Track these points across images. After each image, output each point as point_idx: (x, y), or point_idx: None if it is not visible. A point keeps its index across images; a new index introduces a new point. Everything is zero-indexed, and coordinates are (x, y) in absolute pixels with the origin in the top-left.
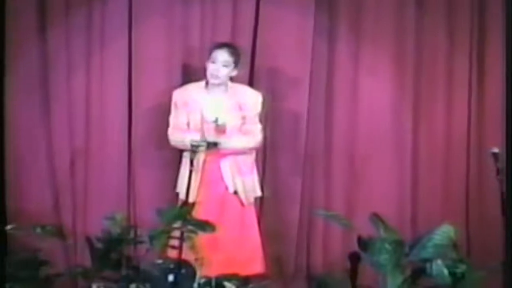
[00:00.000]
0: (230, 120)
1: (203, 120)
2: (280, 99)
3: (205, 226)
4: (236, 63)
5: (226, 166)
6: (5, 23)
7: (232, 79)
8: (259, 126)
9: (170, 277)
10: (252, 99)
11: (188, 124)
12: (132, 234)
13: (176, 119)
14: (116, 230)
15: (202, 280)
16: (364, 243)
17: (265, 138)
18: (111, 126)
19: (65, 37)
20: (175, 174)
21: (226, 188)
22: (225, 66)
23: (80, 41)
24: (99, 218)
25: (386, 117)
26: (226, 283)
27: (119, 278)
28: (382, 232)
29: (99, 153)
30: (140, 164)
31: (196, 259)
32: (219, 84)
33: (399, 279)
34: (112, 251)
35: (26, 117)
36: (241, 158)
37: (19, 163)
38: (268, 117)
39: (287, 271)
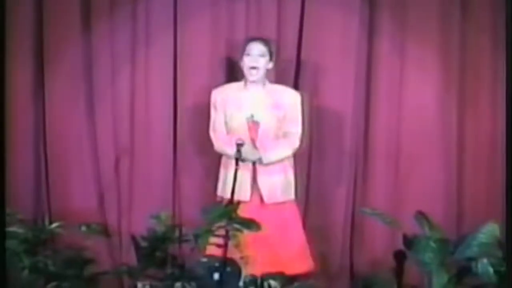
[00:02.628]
0: (265, 118)
1: (240, 118)
2: (324, 98)
3: (250, 224)
4: (271, 55)
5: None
6: (5, 23)
7: (267, 75)
8: (299, 130)
9: (215, 276)
10: (291, 99)
11: (226, 124)
12: (177, 233)
13: (214, 120)
14: (161, 229)
15: (248, 279)
16: (409, 242)
17: (310, 138)
18: (156, 124)
19: (109, 35)
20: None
21: None
22: (262, 56)
23: (125, 39)
24: (144, 216)
25: (431, 115)
26: (272, 282)
27: (164, 277)
28: (427, 231)
29: (143, 151)
30: (184, 162)
31: (241, 258)
32: (257, 81)
33: (444, 278)
34: (157, 250)
35: (70, 116)
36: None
37: (64, 162)
38: (313, 116)
39: (332, 270)
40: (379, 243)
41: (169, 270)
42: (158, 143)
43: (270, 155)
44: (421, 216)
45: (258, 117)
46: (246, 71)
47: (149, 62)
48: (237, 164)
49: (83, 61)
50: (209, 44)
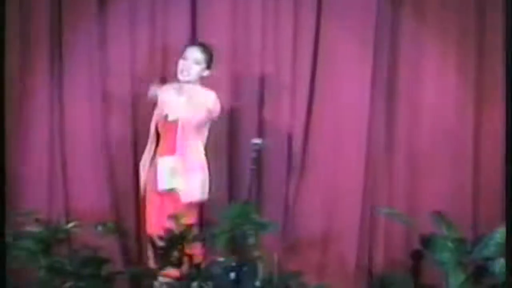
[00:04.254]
0: (181, 115)
1: (159, 116)
2: (342, 99)
3: (266, 224)
4: (208, 63)
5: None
6: (5, 23)
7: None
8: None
9: (232, 275)
10: (203, 97)
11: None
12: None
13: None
14: (178, 228)
15: (264, 278)
16: (426, 241)
17: (330, 139)
18: None
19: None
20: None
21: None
22: (197, 63)
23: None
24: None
25: (448, 114)
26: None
27: (181, 277)
28: (444, 230)
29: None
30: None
31: (258, 257)
32: (187, 82)
33: (461, 277)
34: (174, 250)
35: (86, 115)
36: (189, 155)
37: (79, 162)
38: (331, 118)
39: (349, 269)
40: (396, 242)
41: (185, 270)
42: None
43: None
44: (438, 215)
45: (173, 117)
46: (178, 71)
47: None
48: (254, 164)
49: (100, 63)
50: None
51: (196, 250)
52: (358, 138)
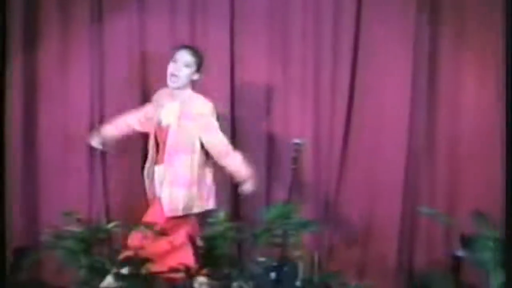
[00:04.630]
0: (173, 125)
1: (156, 122)
2: (381, 98)
3: (308, 224)
4: (198, 66)
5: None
6: (6, 23)
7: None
8: (212, 140)
9: (272, 275)
10: (201, 109)
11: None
12: (235, 232)
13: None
14: (219, 228)
15: (305, 278)
16: (466, 241)
17: (372, 140)
18: None
19: None
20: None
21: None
22: (186, 66)
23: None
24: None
25: (489, 115)
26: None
27: (222, 276)
28: (485, 230)
29: None
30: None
31: (299, 257)
32: (180, 88)
33: (502, 277)
34: (214, 249)
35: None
36: (177, 168)
37: (121, 161)
38: (370, 117)
39: (389, 268)
40: (436, 241)
41: (226, 270)
42: None
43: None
44: (479, 215)
45: (167, 122)
46: (168, 77)
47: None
48: (294, 163)
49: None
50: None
51: (188, 259)
52: (399, 138)
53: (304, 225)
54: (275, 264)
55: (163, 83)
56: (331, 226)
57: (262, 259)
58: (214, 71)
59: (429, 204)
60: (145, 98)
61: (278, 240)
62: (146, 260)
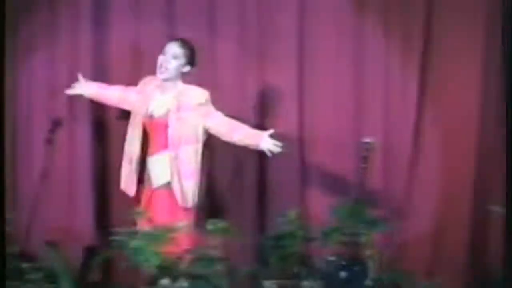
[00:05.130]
0: (169, 112)
1: (145, 114)
2: (451, 98)
3: (378, 223)
4: (189, 58)
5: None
6: (5, 23)
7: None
8: (212, 125)
9: (342, 274)
10: (198, 98)
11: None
12: (304, 231)
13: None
14: (289, 227)
15: (375, 277)
16: None
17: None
18: None
19: None
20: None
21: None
22: (174, 57)
23: None
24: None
25: None
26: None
27: (291, 276)
28: None
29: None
30: (312, 161)
31: (369, 256)
32: (169, 80)
33: None
34: (284, 248)
35: None
36: (184, 160)
37: None
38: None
39: (459, 268)
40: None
41: (296, 269)
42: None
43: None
44: None
45: (158, 114)
46: (157, 68)
47: None
48: (364, 162)
49: None
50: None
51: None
52: (470, 138)
53: (374, 224)
54: (345, 263)
55: None
56: (401, 225)
57: (332, 258)
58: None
59: (501, 203)
60: None
61: (348, 239)
62: (222, 259)
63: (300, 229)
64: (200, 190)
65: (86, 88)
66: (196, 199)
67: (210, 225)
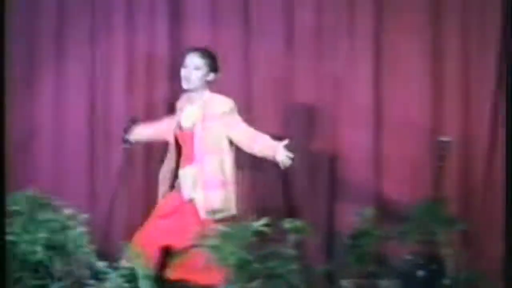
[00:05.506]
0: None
1: (176, 126)
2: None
3: (455, 222)
4: (211, 67)
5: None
6: (5, 23)
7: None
8: (238, 137)
9: (420, 273)
10: (222, 107)
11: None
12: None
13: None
14: (364, 226)
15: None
16: None
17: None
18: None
19: None
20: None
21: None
22: (196, 69)
23: None
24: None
25: None
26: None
27: (368, 275)
28: None
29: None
30: (389, 159)
31: (447, 255)
32: (194, 91)
33: None
34: (360, 247)
35: None
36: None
37: None
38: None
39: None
40: None
41: (372, 268)
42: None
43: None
44: None
45: (186, 126)
46: (182, 80)
47: None
48: (440, 161)
49: None
50: None
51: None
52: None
53: (452, 222)
54: (422, 262)
55: None
56: (478, 224)
57: (409, 256)
58: None
59: None
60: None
61: (425, 237)
62: (292, 257)
63: (376, 227)
64: (236, 201)
65: (140, 133)
66: (226, 211)
67: (287, 223)
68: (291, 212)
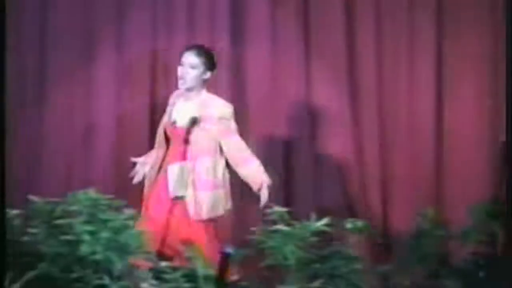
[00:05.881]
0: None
1: (168, 122)
2: None
3: None
4: (208, 65)
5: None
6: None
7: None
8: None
9: (482, 274)
10: (221, 112)
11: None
12: (443, 230)
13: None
14: (426, 226)
15: None
16: None
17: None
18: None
19: None
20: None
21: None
22: (192, 67)
23: None
24: (408, 213)
25: None
26: None
27: (430, 275)
28: None
29: (407, 147)
30: (450, 160)
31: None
32: (190, 90)
33: None
34: (422, 247)
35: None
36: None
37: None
38: None
39: None
40: None
41: (433, 268)
42: (422, 138)
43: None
44: None
45: (181, 123)
46: (178, 79)
47: None
48: (505, 163)
49: None
50: None
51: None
52: None
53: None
54: (484, 262)
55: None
56: None
57: (471, 257)
58: None
59: None
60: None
61: (487, 238)
62: (353, 258)
63: (439, 227)
64: (225, 202)
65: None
66: (214, 212)
67: (349, 223)
68: (351, 211)
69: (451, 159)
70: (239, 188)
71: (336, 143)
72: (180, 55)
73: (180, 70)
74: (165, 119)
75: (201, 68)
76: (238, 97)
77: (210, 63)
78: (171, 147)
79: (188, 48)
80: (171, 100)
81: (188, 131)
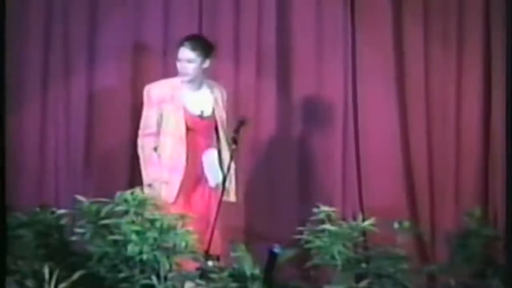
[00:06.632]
0: (211, 111)
1: (187, 115)
2: None
3: None
4: (204, 55)
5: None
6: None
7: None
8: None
9: None
10: (224, 95)
11: (158, 124)
12: (489, 230)
13: (148, 119)
14: (473, 226)
15: None
16: None
17: None
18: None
19: None
20: None
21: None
22: (190, 62)
23: None
24: (455, 213)
25: None
26: None
27: (477, 275)
28: None
29: (454, 148)
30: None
31: None
32: (191, 81)
33: None
34: (469, 247)
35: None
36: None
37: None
38: None
39: None
40: None
41: (479, 267)
42: (468, 139)
43: None
44: None
45: (208, 113)
46: (179, 74)
47: None
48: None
49: None
50: None
51: None
52: None
53: None
54: None
55: None
56: None
57: None
58: None
59: None
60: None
61: None
62: (402, 258)
63: (485, 227)
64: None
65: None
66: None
67: (396, 223)
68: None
69: (498, 159)
70: (286, 189)
71: (382, 142)
72: (176, 49)
73: (179, 65)
74: (178, 114)
75: (199, 60)
76: (284, 96)
77: (207, 51)
78: (192, 139)
79: (182, 42)
80: (168, 94)
81: (214, 119)
